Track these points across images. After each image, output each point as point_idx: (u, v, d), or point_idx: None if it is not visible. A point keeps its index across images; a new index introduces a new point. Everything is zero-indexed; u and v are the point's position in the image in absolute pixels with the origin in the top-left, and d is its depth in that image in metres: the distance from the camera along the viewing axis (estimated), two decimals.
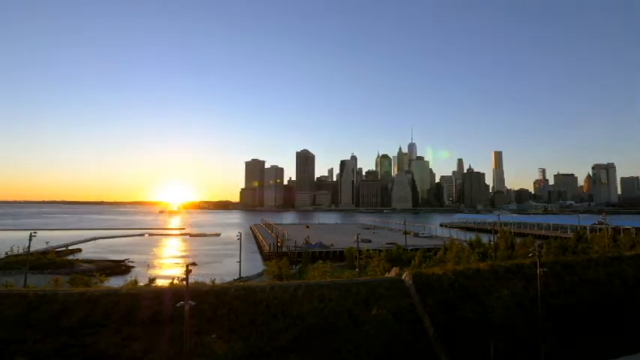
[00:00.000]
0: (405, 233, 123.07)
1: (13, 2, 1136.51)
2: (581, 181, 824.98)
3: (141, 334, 24.07)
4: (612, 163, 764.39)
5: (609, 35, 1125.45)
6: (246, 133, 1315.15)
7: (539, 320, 29.68)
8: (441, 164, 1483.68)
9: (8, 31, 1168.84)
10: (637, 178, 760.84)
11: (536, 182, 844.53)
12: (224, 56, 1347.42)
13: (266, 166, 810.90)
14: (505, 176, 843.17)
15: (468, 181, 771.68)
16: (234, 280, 61.61)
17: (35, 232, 61.31)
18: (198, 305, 23.90)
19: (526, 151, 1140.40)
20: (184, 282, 24.77)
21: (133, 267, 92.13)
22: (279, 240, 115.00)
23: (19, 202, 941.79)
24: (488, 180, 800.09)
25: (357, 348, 26.21)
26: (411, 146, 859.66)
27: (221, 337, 24.76)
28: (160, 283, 45.75)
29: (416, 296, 30.99)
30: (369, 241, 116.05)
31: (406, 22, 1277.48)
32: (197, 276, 35.54)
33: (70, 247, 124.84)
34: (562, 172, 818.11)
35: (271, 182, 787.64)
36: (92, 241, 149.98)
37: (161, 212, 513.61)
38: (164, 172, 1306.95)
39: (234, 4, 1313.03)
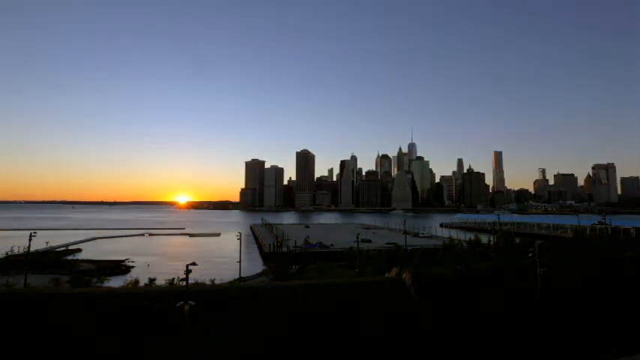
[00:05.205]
0: (405, 233, 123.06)
1: (13, 2, 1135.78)
2: (581, 181, 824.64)
3: (141, 335, 24.09)
4: (612, 163, 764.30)
5: (610, 35, 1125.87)
6: (246, 133, 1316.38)
7: (538, 320, 29.71)
8: (441, 164, 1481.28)
9: (8, 30, 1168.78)
10: (637, 178, 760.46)
11: (536, 182, 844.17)
12: (224, 56, 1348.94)
13: (266, 166, 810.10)
14: (505, 176, 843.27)
15: (467, 181, 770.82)
16: (234, 280, 61.57)
17: (35, 232, 61.10)
18: (198, 305, 23.92)
19: (526, 151, 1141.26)
20: (184, 282, 24.79)
21: (133, 267, 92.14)
22: (279, 240, 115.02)
23: (20, 202, 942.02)
24: (489, 180, 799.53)
25: (356, 348, 26.22)
26: (411, 146, 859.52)
27: (221, 337, 24.79)
28: (160, 283, 45.74)
29: (416, 296, 31.03)
30: (369, 241, 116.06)
31: (406, 21, 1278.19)
32: (197, 276, 35.53)
33: (70, 247, 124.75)
34: (562, 172, 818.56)
35: (272, 183, 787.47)
36: (92, 241, 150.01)
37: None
38: (163, 173, 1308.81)
39: (234, 3, 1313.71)
